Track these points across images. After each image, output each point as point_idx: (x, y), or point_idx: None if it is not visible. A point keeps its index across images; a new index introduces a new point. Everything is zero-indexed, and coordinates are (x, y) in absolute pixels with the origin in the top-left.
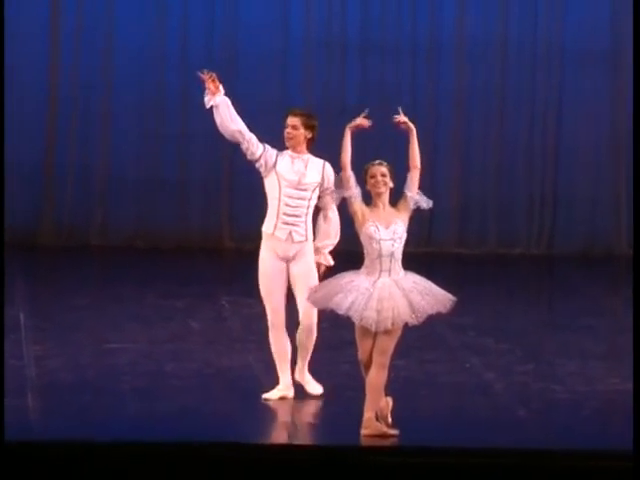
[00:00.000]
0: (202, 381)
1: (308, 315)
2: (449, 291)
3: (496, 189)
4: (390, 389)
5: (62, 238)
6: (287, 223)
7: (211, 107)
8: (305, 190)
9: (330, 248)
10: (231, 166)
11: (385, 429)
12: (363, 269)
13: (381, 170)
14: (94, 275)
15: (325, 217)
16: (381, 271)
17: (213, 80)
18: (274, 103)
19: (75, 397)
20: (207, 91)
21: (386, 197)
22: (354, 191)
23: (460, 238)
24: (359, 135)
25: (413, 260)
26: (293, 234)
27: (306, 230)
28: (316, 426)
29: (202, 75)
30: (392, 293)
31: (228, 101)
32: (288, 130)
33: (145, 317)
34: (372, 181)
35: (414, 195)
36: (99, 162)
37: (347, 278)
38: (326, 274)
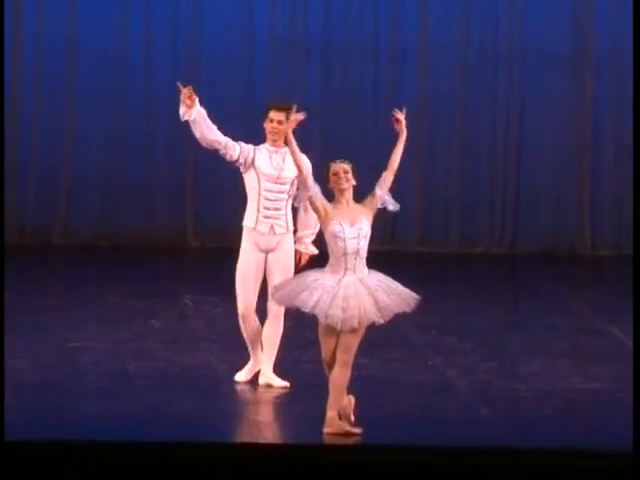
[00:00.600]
0: (165, 380)
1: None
2: (412, 290)
3: (459, 189)
4: (353, 387)
5: (25, 237)
6: (268, 217)
7: (186, 120)
8: (284, 184)
9: (312, 238)
10: (195, 166)
11: (348, 427)
12: (328, 267)
13: (343, 167)
14: (57, 275)
15: (305, 208)
16: (346, 269)
17: (190, 95)
18: (238, 103)
19: (39, 397)
20: (183, 104)
21: (349, 194)
22: (314, 190)
23: (423, 237)
24: (322, 137)
25: (376, 258)
26: (275, 227)
27: (287, 222)
28: (280, 425)
29: (180, 88)
30: (358, 291)
31: (203, 112)
32: (274, 125)
33: (108, 317)
34: (335, 178)
35: (384, 195)
36: (63, 162)
37: (312, 276)
38: (309, 263)
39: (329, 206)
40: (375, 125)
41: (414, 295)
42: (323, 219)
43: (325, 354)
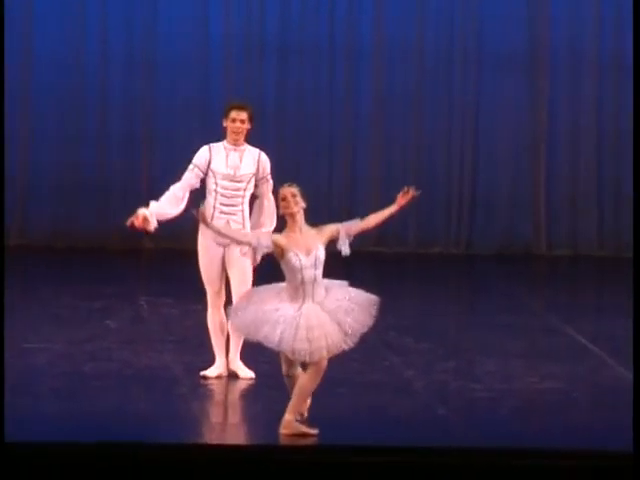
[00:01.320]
0: (121, 381)
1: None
2: (370, 291)
3: (415, 188)
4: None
5: None
6: (224, 212)
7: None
8: (240, 181)
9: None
10: (150, 167)
11: (304, 429)
12: (286, 294)
13: (291, 191)
14: (13, 275)
15: (261, 205)
16: (305, 297)
17: (141, 224)
18: (194, 102)
19: None
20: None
21: (301, 218)
22: (265, 243)
23: (379, 237)
24: (278, 135)
25: (333, 259)
26: (231, 223)
27: (243, 218)
28: (235, 425)
29: (130, 225)
30: (320, 319)
31: (153, 208)
32: (237, 125)
33: (63, 317)
34: (284, 203)
35: (345, 237)
36: (18, 163)
37: (271, 305)
38: (263, 259)
39: (283, 240)
40: (330, 124)
41: (373, 299)
42: (280, 255)
43: (286, 370)
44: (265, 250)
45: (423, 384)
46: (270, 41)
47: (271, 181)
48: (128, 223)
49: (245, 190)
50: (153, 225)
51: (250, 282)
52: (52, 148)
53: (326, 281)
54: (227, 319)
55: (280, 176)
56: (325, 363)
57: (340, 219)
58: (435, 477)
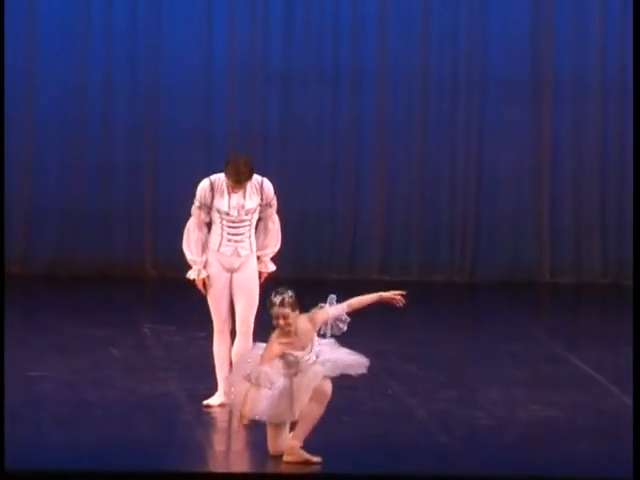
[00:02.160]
0: (124, 410)
1: (246, 322)
2: (372, 318)
3: (419, 217)
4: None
5: None
6: (232, 240)
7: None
8: (246, 214)
9: (270, 256)
10: (153, 195)
11: (307, 456)
12: (280, 369)
13: (283, 313)
14: (15, 305)
15: (266, 227)
16: (299, 370)
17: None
18: (197, 130)
19: None
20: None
21: (294, 327)
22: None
23: (383, 265)
24: (281, 163)
25: (336, 287)
26: (239, 249)
27: (250, 244)
28: (239, 453)
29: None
30: (307, 378)
31: (201, 262)
32: (238, 186)
33: (67, 346)
34: (275, 320)
35: (331, 319)
36: (20, 191)
37: (265, 379)
38: (267, 279)
39: (275, 355)
40: (334, 152)
41: (364, 360)
42: (279, 357)
43: (273, 450)
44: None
45: (425, 412)
46: (273, 69)
47: (275, 202)
48: (199, 287)
49: (251, 219)
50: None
51: (257, 305)
52: (55, 176)
53: (317, 347)
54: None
55: (284, 204)
56: (329, 390)
57: (344, 245)
58: None
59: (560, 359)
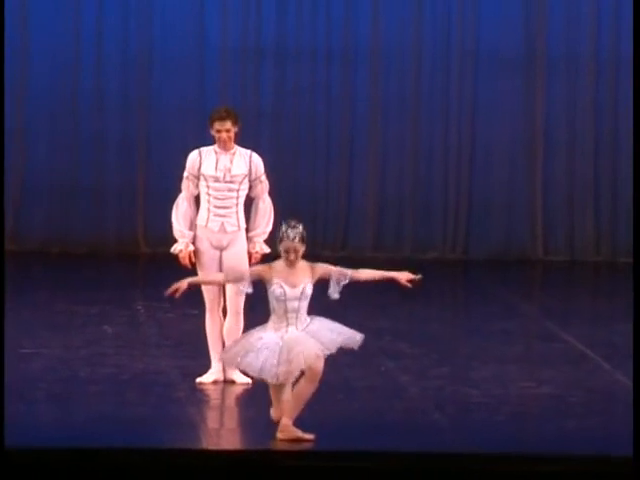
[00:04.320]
0: (117, 387)
1: (235, 301)
2: (365, 296)
3: (412, 194)
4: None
5: None
6: (218, 215)
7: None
8: (232, 182)
9: (264, 237)
10: (146, 171)
11: (300, 434)
12: (270, 323)
13: (295, 247)
14: (7, 281)
15: (256, 207)
16: (288, 325)
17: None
18: (190, 106)
19: None
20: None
21: (297, 260)
22: (243, 282)
23: (376, 242)
24: (275, 140)
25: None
26: (225, 225)
27: (238, 220)
28: (232, 430)
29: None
30: (299, 339)
31: (188, 235)
32: (222, 135)
33: (59, 323)
34: (285, 255)
35: (336, 283)
36: (11, 167)
37: (255, 335)
38: (261, 261)
39: (267, 271)
40: (327, 128)
41: (359, 335)
42: (266, 280)
43: (275, 414)
44: (244, 289)
45: (418, 389)
46: (267, 45)
47: (266, 182)
48: (183, 261)
49: (238, 191)
50: (188, 253)
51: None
52: (46, 153)
53: (316, 317)
54: (224, 323)
55: (277, 181)
56: (321, 368)
57: (337, 223)
58: None
59: (552, 336)
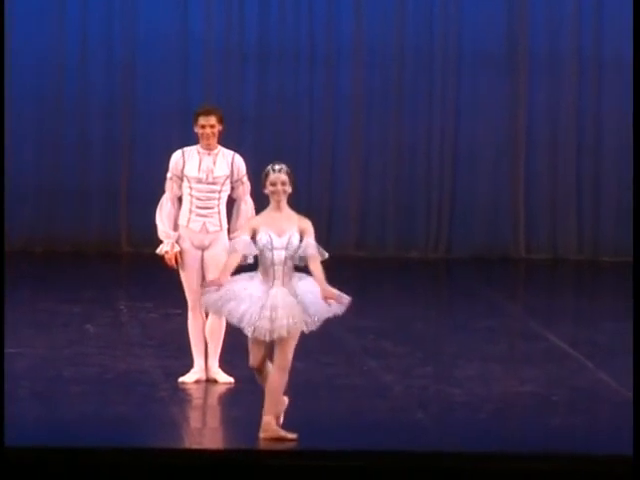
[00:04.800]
0: (100, 386)
1: None
2: (348, 294)
3: (395, 193)
4: (288, 392)
5: None
6: (200, 215)
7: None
8: (214, 184)
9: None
10: (129, 171)
11: (283, 433)
12: (257, 274)
13: (281, 178)
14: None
15: (238, 208)
16: (274, 279)
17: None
18: (173, 107)
19: None
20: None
21: (284, 202)
22: (244, 243)
23: (359, 241)
24: (258, 140)
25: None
26: (207, 225)
27: (220, 220)
28: (215, 430)
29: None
30: (285, 300)
31: (172, 235)
32: (206, 131)
33: (42, 322)
34: (272, 188)
35: (301, 248)
36: None
37: (241, 284)
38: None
39: (256, 220)
40: (310, 128)
41: (345, 297)
42: (256, 231)
43: (253, 361)
44: (249, 252)
45: (402, 388)
46: (250, 46)
47: (248, 183)
48: (169, 262)
49: (220, 192)
50: (174, 250)
51: None
52: (31, 153)
53: (303, 275)
54: (206, 321)
55: (260, 182)
56: (290, 358)
57: (320, 222)
58: None
59: (535, 335)
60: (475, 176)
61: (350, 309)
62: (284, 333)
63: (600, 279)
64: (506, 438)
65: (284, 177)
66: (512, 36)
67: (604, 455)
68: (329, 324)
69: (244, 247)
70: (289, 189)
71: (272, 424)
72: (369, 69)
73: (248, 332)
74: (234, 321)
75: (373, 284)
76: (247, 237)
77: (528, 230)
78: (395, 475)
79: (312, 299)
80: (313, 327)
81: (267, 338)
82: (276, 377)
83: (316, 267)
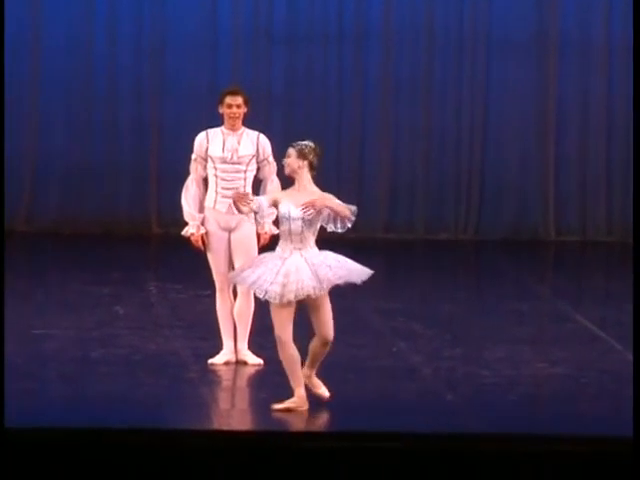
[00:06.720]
0: (129, 368)
1: None
2: (377, 276)
3: (424, 175)
4: (317, 374)
5: None
6: (226, 196)
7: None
8: (240, 163)
9: (272, 218)
10: (158, 153)
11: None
12: (278, 247)
13: (287, 152)
14: (20, 262)
15: (264, 188)
16: (293, 249)
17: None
18: (202, 89)
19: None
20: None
21: (300, 177)
22: (267, 213)
23: (388, 224)
24: (286, 121)
25: (341, 245)
26: (233, 206)
27: None
28: (244, 411)
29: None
30: (299, 267)
31: (198, 217)
32: (234, 110)
33: (71, 304)
34: (289, 170)
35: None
36: (26, 149)
37: (261, 256)
38: (270, 243)
39: (278, 193)
40: (339, 109)
41: (366, 270)
42: (277, 203)
43: (279, 330)
44: (269, 212)
45: (431, 370)
46: (278, 27)
47: (274, 163)
48: (196, 244)
49: (246, 172)
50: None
51: None
52: (60, 134)
53: (325, 251)
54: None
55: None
56: (330, 314)
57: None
58: (443, 463)
59: (565, 317)
60: (504, 158)
61: (378, 289)
62: (291, 297)
63: (629, 261)
64: (535, 420)
65: (290, 150)
66: (542, 20)
67: (632, 437)
68: (358, 305)
69: (259, 206)
70: (300, 162)
71: (304, 398)
72: (398, 51)
73: (259, 295)
74: (245, 285)
75: (402, 266)
76: (266, 201)
77: (558, 212)
78: (424, 457)
79: (324, 268)
80: (320, 292)
81: (277, 300)
82: (280, 353)
83: (336, 206)
